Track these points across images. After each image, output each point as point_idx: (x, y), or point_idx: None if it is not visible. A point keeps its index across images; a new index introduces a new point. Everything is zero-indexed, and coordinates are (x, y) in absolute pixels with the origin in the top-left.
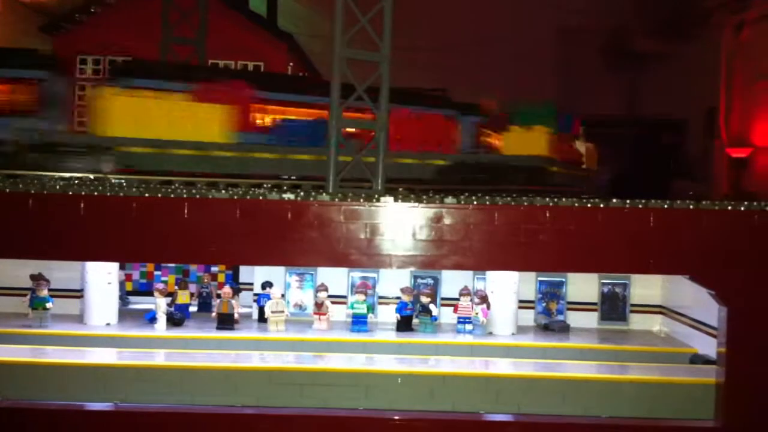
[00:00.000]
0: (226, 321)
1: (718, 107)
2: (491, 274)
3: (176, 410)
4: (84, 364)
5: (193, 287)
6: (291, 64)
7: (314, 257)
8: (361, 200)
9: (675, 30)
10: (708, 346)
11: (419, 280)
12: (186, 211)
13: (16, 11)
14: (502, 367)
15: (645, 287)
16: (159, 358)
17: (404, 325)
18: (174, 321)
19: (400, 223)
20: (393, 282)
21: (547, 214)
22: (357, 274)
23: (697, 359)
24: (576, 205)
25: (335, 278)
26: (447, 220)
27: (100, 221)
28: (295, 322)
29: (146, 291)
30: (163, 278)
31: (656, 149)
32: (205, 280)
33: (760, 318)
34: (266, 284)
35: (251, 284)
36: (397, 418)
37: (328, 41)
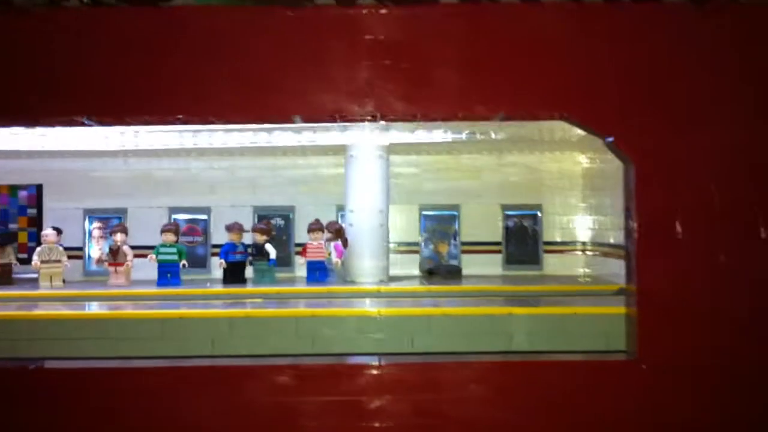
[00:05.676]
0: None
1: None
2: (352, 203)
3: None
4: None
5: None
6: None
7: None
8: None
9: None
10: None
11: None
12: None
13: None
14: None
15: (561, 218)
16: None
17: (232, 275)
18: None
19: None
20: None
21: None
22: (182, 216)
23: (624, 291)
24: None
25: (152, 223)
26: None
27: None
28: (88, 283)
29: None
30: None
31: None
32: None
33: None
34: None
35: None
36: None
37: None
